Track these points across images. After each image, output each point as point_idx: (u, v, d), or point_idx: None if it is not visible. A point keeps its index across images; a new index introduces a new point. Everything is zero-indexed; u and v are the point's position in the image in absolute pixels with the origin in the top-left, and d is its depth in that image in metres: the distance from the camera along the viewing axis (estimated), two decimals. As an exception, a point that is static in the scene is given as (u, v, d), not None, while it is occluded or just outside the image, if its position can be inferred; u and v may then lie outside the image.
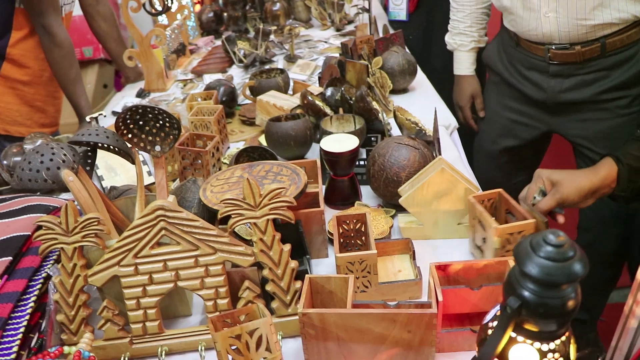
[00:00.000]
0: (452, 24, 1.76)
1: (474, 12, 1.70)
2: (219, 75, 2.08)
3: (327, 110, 1.43)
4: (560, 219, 0.99)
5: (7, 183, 1.26)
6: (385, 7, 2.48)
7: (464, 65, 1.76)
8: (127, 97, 2.03)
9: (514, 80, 1.54)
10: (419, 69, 1.85)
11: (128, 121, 0.94)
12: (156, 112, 0.93)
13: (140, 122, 0.95)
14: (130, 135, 0.95)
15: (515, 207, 0.96)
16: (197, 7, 2.90)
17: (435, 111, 1.20)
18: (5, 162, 1.34)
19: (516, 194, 1.02)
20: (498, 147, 1.68)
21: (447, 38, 1.78)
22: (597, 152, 1.44)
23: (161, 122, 0.95)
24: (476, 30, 1.72)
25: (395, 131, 1.45)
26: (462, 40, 1.73)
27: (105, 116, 1.55)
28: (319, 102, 1.42)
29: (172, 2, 2.23)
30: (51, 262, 0.94)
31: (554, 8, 1.33)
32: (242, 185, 0.99)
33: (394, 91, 1.76)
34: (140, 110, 0.93)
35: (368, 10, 2.43)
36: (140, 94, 2.04)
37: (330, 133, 1.27)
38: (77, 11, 3.46)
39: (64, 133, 2.08)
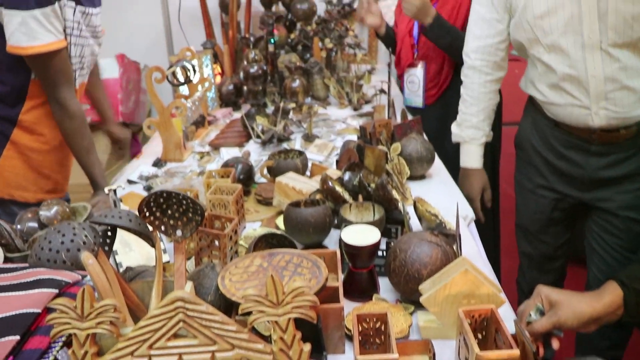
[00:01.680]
0: (462, 117, 1.77)
1: (488, 107, 1.73)
2: (236, 150, 2.11)
3: (346, 196, 1.44)
4: (555, 344, 0.94)
5: (19, 249, 1.25)
6: (402, 89, 2.53)
7: (473, 158, 1.78)
8: (143, 166, 2.04)
9: (550, 159, 1.57)
10: (436, 156, 1.87)
11: (152, 204, 0.94)
12: (180, 197, 0.93)
13: (164, 206, 0.95)
14: (152, 218, 0.95)
15: (504, 331, 0.90)
16: (218, 79, 2.99)
17: (458, 207, 1.20)
18: (19, 226, 1.33)
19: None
20: (535, 222, 1.71)
21: (456, 129, 1.80)
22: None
23: (184, 207, 0.96)
24: (488, 125, 1.75)
25: (414, 221, 1.45)
26: (474, 134, 1.75)
27: (123, 188, 1.56)
28: (338, 188, 1.43)
29: (194, 74, 2.30)
30: (60, 343, 0.91)
31: (604, 106, 1.37)
32: (261, 275, 0.98)
33: (410, 177, 1.77)
34: (164, 195, 0.93)
35: (386, 92, 2.49)
36: (157, 164, 2.06)
37: (349, 222, 1.27)
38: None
39: (73, 192, 2.08)
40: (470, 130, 1.76)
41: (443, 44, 2.16)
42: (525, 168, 1.70)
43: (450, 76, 2.29)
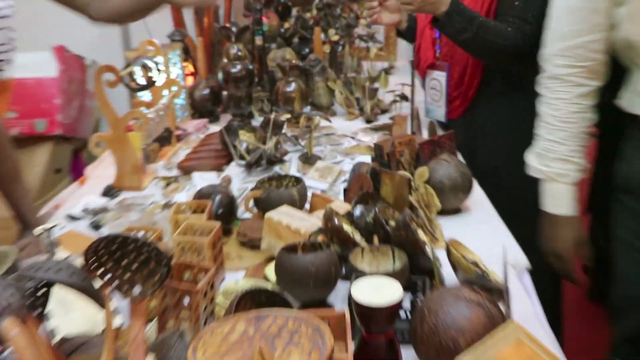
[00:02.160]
0: (543, 145, 1.68)
1: (581, 131, 1.64)
2: (212, 175, 2.11)
3: (357, 237, 1.43)
4: None
5: None
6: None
7: (564, 201, 1.68)
8: (88, 195, 2.04)
9: None
10: (475, 183, 1.86)
11: (101, 251, 0.93)
12: (140, 243, 0.92)
13: (117, 254, 0.94)
14: (102, 270, 0.94)
15: None
16: (190, 81, 3.01)
17: (505, 251, 1.19)
18: None
19: None
20: None
21: (535, 162, 1.71)
22: None
23: (145, 255, 0.95)
24: (580, 157, 1.66)
25: (446, 270, 1.43)
26: (564, 169, 1.65)
27: (62, 227, 1.56)
28: (347, 227, 1.42)
29: (158, 75, 2.31)
30: None
31: None
32: (245, 346, 0.97)
33: (442, 212, 1.76)
34: (119, 239, 0.92)
35: (409, 99, 2.51)
36: (108, 193, 2.06)
37: (362, 272, 1.26)
38: (26, 73, 3.58)
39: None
40: (558, 164, 1.65)
41: (464, 40, 2.11)
42: (635, 220, 1.63)
43: (477, 83, 2.26)
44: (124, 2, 1.79)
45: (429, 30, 2.39)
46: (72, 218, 1.89)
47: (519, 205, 2.01)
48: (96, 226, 1.81)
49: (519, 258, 1.59)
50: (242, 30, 2.77)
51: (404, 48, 3.95)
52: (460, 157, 1.96)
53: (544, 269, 1.77)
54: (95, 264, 0.94)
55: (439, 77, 2.36)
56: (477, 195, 1.89)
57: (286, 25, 3.32)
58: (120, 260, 0.95)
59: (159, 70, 2.20)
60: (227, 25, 2.98)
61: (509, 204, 1.95)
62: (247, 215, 1.79)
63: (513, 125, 2.16)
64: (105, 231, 1.74)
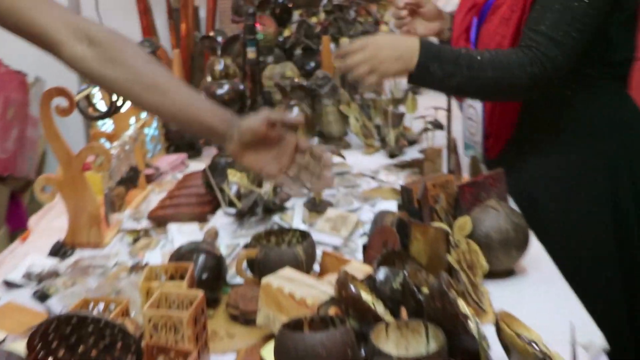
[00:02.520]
0: None
1: None
2: (194, 228, 2.11)
3: (380, 309, 1.43)
4: None
5: None
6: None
7: None
8: (32, 255, 2.03)
9: None
10: (533, 237, 1.86)
11: (50, 336, 0.94)
12: (101, 325, 0.93)
13: (72, 339, 0.95)
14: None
15: None
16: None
17: (574, 329, 1.19)
18: None
19: None
20: None
21: None
22: None
23: (108, 338, 0.95)
24: None
25: (495, 351, 1.43)
26: None
27: None
28: (366, 296, 1.43)
29: (123, 101, 2.32)
30: None
31: None
32: None
33: (490, 274, 1.76)
34: (73, 321, 0.93)
35: (444, 128, 2.51)
36: (58, 251, 2.05)
37: (387, 355, 1.26)
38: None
39: None
40: None
41: (457, 86, 2.10)
42: None
43: (515, 119, 2.25)
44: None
45: (463, 42, 2.38)
46: (11, 285, 1.88)
47: (591, 267, 2.01)
48: (42, 296, 1.80)
49: (593, 336, 1.58)
50: (230, 40, 2.80)
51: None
52: (512, 203, 1.96)
53: (625, 349, 1.77)
54: (43, 351, 0.94)
55: (474, 104, 2.35)
56: (536, 253, 1.88)
57: (286, 32, 3.34)
58: (76, 346, 0.96)
59: (124, 93, 2.22)
60: (211, 34, 3.00)
61: (578, 264, 1.95)
62: (239, 280, 1.78)
63: (576, 170, 2.17)
64: (54, 302, 1.73)
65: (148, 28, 3.55)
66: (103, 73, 1.66)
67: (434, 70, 2.04)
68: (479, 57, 2.04)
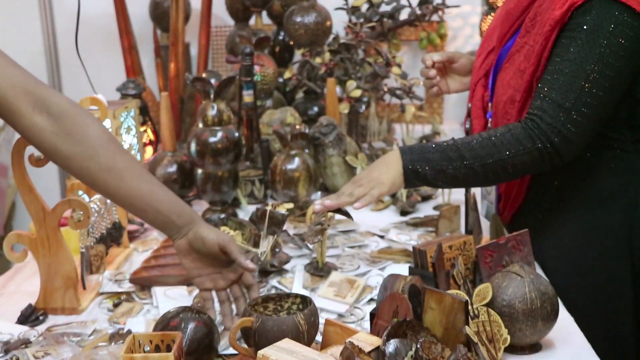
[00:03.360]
0: None
1: None
2: (182, 292, 2.11)
3: (392, 388, 1.43)
4: None
5: None
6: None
7: None
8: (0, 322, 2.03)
9: None
10: (562, 308, 1.86)
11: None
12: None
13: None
14: None
15: None
16: (149, 153, 3.03)
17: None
18: None
19: None
20: None
21: None
22: None
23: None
24: None
25: None
26: None
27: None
28: (376, 373, 1.43)
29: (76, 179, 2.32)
30: None
31: None
32: None
33: (512, 348, 1.76)
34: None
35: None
36: (28, 317, 2.04)
37: None
38: None
39: None
40: None
41: (455, 175, 2.11)
42: None
43: (527, 182, 2.25)
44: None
45: (480, 90, 2.39)
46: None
47: (627, 340, 2.01)
48: (11, 368, 1.80)
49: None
50: (224, 82, 2.80)
51: (452, 106, 3.99)
52: (539, 269, 1.96)
53: None
54: None
55: None
56: (565, 325, 1.89)
57: (287, 74, 3.33)
58: None
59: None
60: (203, 75, 3.01)
61: (613, 337, 1.95)
62: (232, 351, 1.78)
63: (594, 236, 2.19)
64: (24, 375, 1.73)
65: (133, 67, 3.54)
66: (60, 148, 1.72)
67: (423, 171, 2.09)
68: (472, 140, 2.08)
